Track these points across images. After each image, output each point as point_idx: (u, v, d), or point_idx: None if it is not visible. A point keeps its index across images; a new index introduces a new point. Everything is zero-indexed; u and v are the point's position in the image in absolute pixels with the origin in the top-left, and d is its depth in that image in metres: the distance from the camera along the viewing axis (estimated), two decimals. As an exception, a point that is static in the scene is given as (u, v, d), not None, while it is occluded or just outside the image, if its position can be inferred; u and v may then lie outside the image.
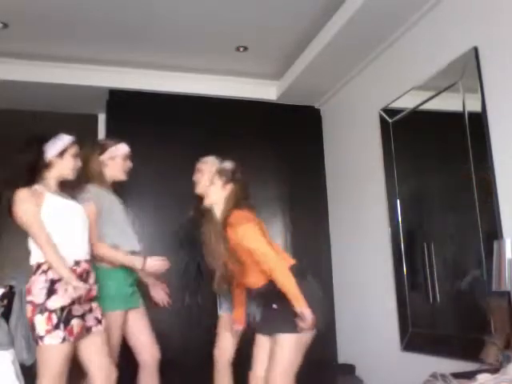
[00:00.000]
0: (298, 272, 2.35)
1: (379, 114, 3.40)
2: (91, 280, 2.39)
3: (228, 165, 2.60)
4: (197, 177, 2.65)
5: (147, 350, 2.70)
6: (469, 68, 2.60)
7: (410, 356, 3.05)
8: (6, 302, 2.73)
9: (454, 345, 2.71)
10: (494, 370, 1.99)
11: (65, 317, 2.21)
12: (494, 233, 2.41)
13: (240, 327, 2.78)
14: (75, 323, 2.25)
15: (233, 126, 3.97)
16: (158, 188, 3.76)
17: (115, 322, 2.55)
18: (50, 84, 3.78)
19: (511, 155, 2.39)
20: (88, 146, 2.73)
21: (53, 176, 2.42)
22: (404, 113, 3.18)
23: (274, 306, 2.36)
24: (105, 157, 2.74)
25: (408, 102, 3.12)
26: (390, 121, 3.31)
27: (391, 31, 3.20)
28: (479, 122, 2.53)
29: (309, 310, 2.23)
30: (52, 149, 2.40)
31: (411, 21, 3.05)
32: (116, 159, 2.75)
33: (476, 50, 2.57)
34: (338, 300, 3.97)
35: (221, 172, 2.54)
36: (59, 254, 2.26)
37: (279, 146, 4.14)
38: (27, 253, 2.36)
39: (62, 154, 2.42)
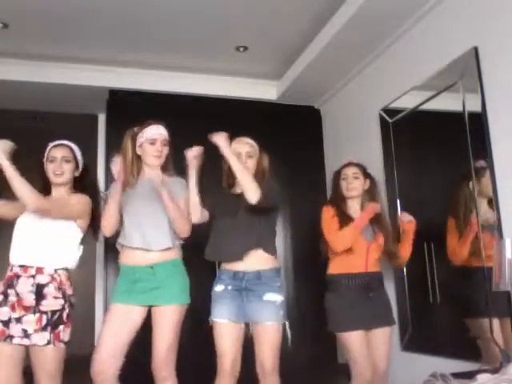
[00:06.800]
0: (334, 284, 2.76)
1: (379, 114, 3.40)
2: (24, 288, 2.33)
3: None
4: None
5: (154, 350, 2.42)
6: (469, 68, 2.60)
7: (410, 356, 3.05)
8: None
9: (454, 345, 2.72)
10: (494, 370, 1.99)
11: None
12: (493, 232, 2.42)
13: None
14: None
15: (233, 125, 3.96)
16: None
17: (108, 315, 2.48)
18: (50, 84, 3.79)
19: (511, 155, 2.39)
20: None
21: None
22: (404, 113, 3.18)
23: None
24: (137, 144, 2.60)
25: (408, 102, 3.12)
26: (390, 121, 3.31)
27: (391, 31, 3.20)
28: (479, 121, 2.53)
29: None
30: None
31: (411, 21, 3.05)
32: (143, 145, 2.59)
33: (476, 50, 2.57)
34: (338, 300, 3.96)
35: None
36: None
37: (279, 145, 4.12)
38: None
39: (46, 159, 2.55)
